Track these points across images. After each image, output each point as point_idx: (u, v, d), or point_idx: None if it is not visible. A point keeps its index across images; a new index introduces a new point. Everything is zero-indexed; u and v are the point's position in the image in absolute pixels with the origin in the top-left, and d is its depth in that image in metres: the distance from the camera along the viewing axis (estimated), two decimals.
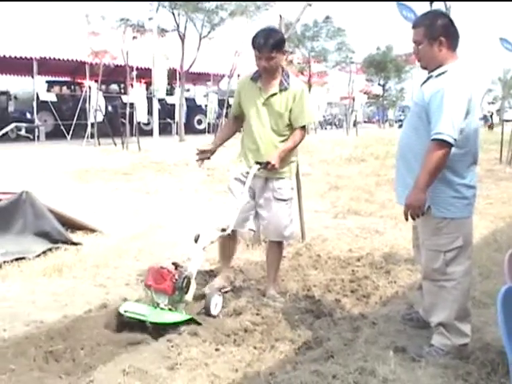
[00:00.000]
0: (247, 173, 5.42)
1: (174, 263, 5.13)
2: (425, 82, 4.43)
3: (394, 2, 17.45)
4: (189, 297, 4.94)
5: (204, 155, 5.53)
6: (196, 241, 5.17)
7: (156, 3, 27.50)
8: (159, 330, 4.66)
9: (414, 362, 4.24)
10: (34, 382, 3.98)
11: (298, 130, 5.48)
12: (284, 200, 5.55)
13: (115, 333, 4.71)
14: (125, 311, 4.77)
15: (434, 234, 4.33)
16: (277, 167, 5.26)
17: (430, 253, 4.38)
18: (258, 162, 5.37)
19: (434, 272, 4.37)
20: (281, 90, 5.34)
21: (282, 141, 5.45)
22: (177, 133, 30.47)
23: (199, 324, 4.79)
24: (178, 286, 4.84)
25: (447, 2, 13.72)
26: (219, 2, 29.38)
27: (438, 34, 4.28)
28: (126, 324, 4.79)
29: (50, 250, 7.01)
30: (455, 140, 4.01)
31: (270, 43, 5.14)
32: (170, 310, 4.85)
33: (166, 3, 28.26)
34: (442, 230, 4.29)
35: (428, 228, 4.37)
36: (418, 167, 4.23)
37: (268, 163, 5.30)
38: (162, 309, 4.82)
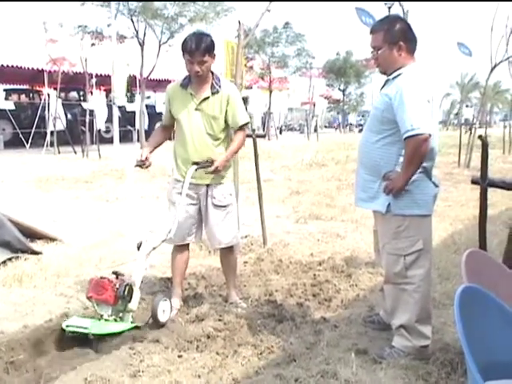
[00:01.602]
0: (194, 163, 5.32)
1: (114, 272, 5.03)
2: (383, 86, 4.49)
3: (354, 8, 17.59)
4: (133, 305, 4.86)
5: (145, 164, 5.37)
6: (139, 248, 5.10)
7: (115, 10, 27.30)
8: (104, 342, 4.61)
9: (376, 363, 4.30)
10: None
11: (240, 132, 5.48)
12: (222, 206, 5.51)
13: (76, 342, 4.64)
14: (67, 326, 4.63)
15: (393, 238, 4.37)
16: (220, 169, 5.22)
17: (390, 257, 4.43)
18: (195, 162, 5.27)
19: (395, 275, 4.41)
20: (213, 93, 5.32)
21: (218, 144, 5.43)
22: (138, 140, 30.31)
23: (144, 330, 4.81)
24: (119, 295, 4.76)
25: (405, 7, 13.89)
26: (178, 9, 29.28)
27: (397, 38, 4.34)
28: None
29: (9, 259, 6.93)
30: (430, 129, 4.08)
31: (201, 47, 5.09)
32: (115, 320, 4.79)
33: (125, 10, 28.12)
34: (402, 233, 4.33)
35: (388, 232, 4.42)
36: (379, 170, 4.30)
37: (208, 162, 5.26)
38: (106, 320, 4.75)
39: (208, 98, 5.32)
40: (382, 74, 4.60)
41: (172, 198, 5.52)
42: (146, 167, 5.40)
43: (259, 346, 4.70)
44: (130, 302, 4.81)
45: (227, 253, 5.75)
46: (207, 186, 5.45)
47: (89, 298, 4.85)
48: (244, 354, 4.55)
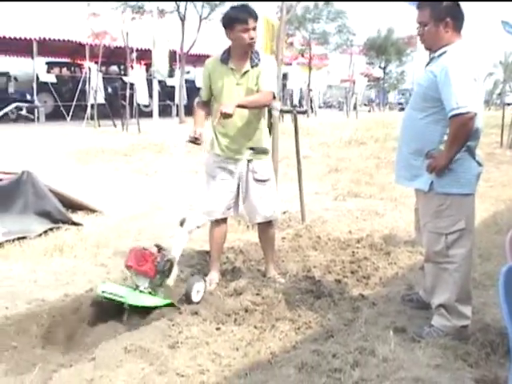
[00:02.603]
0: (225, 158, 5.42)
1: (156, 245, 4.98)
2: (428, 63, 4.44)
3: None
4: (170, 281, 4.84)
5: (198, 141, 5.31)
6: (182, 224, 5.05)
7: None
8: (137, 313, 4.58)
9: (414, 342, 4.27)
10: (36, 359, 4.03)
11: (262, 91, 5.35)
12: (263, 181, 5.53)
13: (116, 311, 4.67)
14: (102, 291, 4.62)
15: (435, 217, 4.33)
16: (229, 112, 4.99)
17: (431, 235, 4.39)
18: (251, 148, 5.35)
19: (436, 254, 4.38)
20: (252, 67, 5.34)
21: (256, 119, 5.45)
22: (177, 114, 30.38)
23: (178, 309, 4.72)
24: (159, 269, 4.73)
25: None
26: None
27: (444, 14, 4.26)
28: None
29: (51, 229, 7.05)
30: (476, 107, 4.04)
31: (254, 14, 5.19)
32: (150, 293, 4.73)
33: None
34: (444, 212, 4.29)
35: (430, 210, 4.38)
36: (422, 149, 4.26)
37: (263, 148, 5.38)
38: (141, 291, 4.70)
39: (248, 71, 5.34)
40: (427, 50, 4.55)
41: (212, 172, 5.52)
42: (199, 144, 5.37)
43: (297, 321, 4.70)
44: (168, 277, 4.81)
45: (266, 227, 5.75)
46: (248, 161, 5.46)
47: (128, 267, 4.81)
48: (282, 328, 4.56)
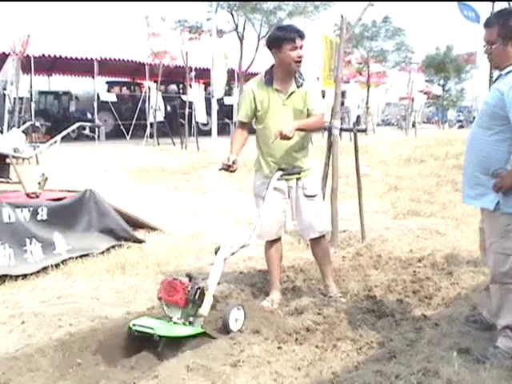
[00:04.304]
0: (280, 169, 5.39)
1: (188, 274, 4.79)
2: (495, 81, 4.39)
3: (455, 2, 17.25)
4: (203, 310, 4.65)
5: (232, 168, 5.32)
6: (216, 252, 4.97)
7: (215, 4, 27.62)
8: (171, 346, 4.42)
9: (479, 363, 4.19)
10: (99, 375, 4.08)
11: (317, 115, 5.45)
12: (313, 196, 5.56)
13: None
14: (133, 325, 4.51)
15: (502, 237, 4.26)
16: (289, 135, 5.09)
17: (498, 256, 4.32)
18: (281, 168, 5.34)
19: (503, 275, 4.30)
20: (298, 87, 5.39)
21: (303, 140, 5.50)
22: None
23: (213, 338, 4.58)
24: (190, 299, 4.56)
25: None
26: (277, 3, 29.38)
27: None
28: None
29: (113, 247, 7.15)
30: None
31: (301, 32, 5.32)
32: (183, 324, 4.59)
33: (225, 4, 28.41)
34: (511, 232, 4.22)
35: (496, 230, 4.31)
36: (488, 167, 4.21)
37: (294, 168, 5.39)
38: (174, 323, 4.57)
39: (294, 92, 5.39)
40: (495, 68, 4.51)
41: (261, 192, 5.44)
42: (233, 171, 5.37)
43: (358, 341, 4.67)
44: (200, 306, 4.62)
45: (319, 242, 5.75)
46: (297, 178, 5.50)
47: (159, 299, 4.72)
48: (343, 348, 4.53)
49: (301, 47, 5.27)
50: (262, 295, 5.77)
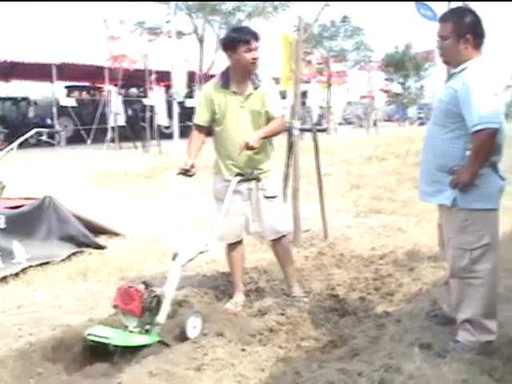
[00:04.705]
0: (238, 174, 5.32)
1: (144, 282, 4.69)
2: (448, 79, 4.45)
3: (412, 1, 17.42)
4: (160, 318, 4.54)
5: (190, 172, 5.29)
6: (174, 259, 4.85)
7: (174, 7, 27.57)
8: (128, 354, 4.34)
9: (440, 358, 4.22)
10: None
11: (278, 118, 5.49)
12: (274, 197, 5.56)
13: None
14: (88, 334, 4.38)
15: (460, 232, 4.32)
16: (255, 146, 5.14)
17: (456, 251, 4.37)
18: (239, 174, 5.28)
19: (461, 270, 4.36)
20: (255, 89, 5.39)
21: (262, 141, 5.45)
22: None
23: (168, 346, 4.47)
24: (146, 307, 4.49)
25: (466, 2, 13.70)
26: (236, 4, 29.46)
27: (466, 31, 4.27)
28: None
29: (74, 254, 7.08)
30: (498, 122, 4.04)
31: (257, 34, 5.31)
32: (140, 332, 4.48)
33: (184, 6, 28.40)
34: (468, 227, 4.27)
35: (454, 226, 4.36)
36: (445, 164, 4.27)
37: (252, 174, 5.33)
38: (130, 332, 4.46)
39: (251, 94, 5.38)
40: (445, 63, 4.59)
41: (222, 195, 5.33)
42: (191, 175, 5.34)
43: (322, 339, 4.71)
44: (156, 314, 4.54)
45: (282, 242, 5.74)
46: (257, 180, 5.47)
47: (115, 307, 4.62)
48: (307, 347, 4.58)
49: (256, 49, 5.26)
50: (225, 298, 5.76)
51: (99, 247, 7.38)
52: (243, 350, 4.48)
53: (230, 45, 5.30)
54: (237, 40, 5.26)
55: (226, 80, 5.42)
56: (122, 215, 9.82)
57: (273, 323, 4.96)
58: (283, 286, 6.02)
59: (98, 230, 8.02)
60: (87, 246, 7.30)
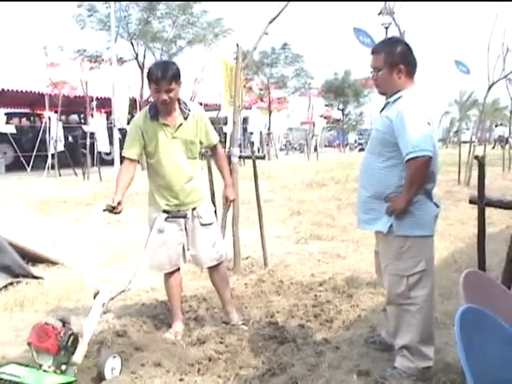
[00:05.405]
0: (165, 211, 5.30)
1: (61, 319, 4.52)
2: (383, 108, 4.52)
3: (352, 28, 17.73)
4: (77, 358, 4.31)
5: (116, 210, 5.21)
6: (95, 297, 4.69)
7: (115, 34, 27.51)
8: None
9: None
10: None
11: (218, 147, 5.69)
12: (209, 224, 5.57)
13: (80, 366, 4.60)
14: (0, 373, 4.15)
15: (396, 259, 4.38)
16: (235, 197, 5.29)
17: (393, 277, 4.44)
18: (166, 211, 5.27)
19: (398, 296, 4.42)
20: (185, 118, 5.32)
21: (195, 167, 5.49)
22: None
23: None
24: (62, 345, 4.25)
25: (401, 28, 14.01)
26: (177, 33, 29.55)
27: (398, 61, 4.37)
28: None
29: (10, 284, 6.95)
30: (431, 150, 4.12)
31: (168, 76, 5.05)
32: (55, 372, 4.23)
33: (124, 33, 28.37)
34: (404, 254, 4.35)
35: (390, 252, 4.43)
36: (381, 192, 4.34)
37: (179, 212, 5.35)
38: (44, 371, 4.20)
39: (181, 124, 5.32)
40: (381, 94, 4.66)
41: (160, 226, 5.28)
42: (118, 213, 5.24)
43: (261, 368, 4.69)
44: (73, 353, 4.30)
45: (219, 269, 5.74)
46: (192, 209, 5.48)
47: (29, 344, 4.35)
48: (246, 376, 4.55)
49: (167, 91, 5.10)
50: (164, 327, 5.71)
51: (36, 277, 7.25)
52: (181, 379, 4.45)
53: (148, 78, 5.21)
54: (148, 76, 5.17)
55: (154, 112, 5.31)
56: (61, 243, 9.69)
57: (211, 352, 4.95)
58: (222, 313, 6.01)
59: (35, 259, 7.90)
60: (24, 276, 7.16)
